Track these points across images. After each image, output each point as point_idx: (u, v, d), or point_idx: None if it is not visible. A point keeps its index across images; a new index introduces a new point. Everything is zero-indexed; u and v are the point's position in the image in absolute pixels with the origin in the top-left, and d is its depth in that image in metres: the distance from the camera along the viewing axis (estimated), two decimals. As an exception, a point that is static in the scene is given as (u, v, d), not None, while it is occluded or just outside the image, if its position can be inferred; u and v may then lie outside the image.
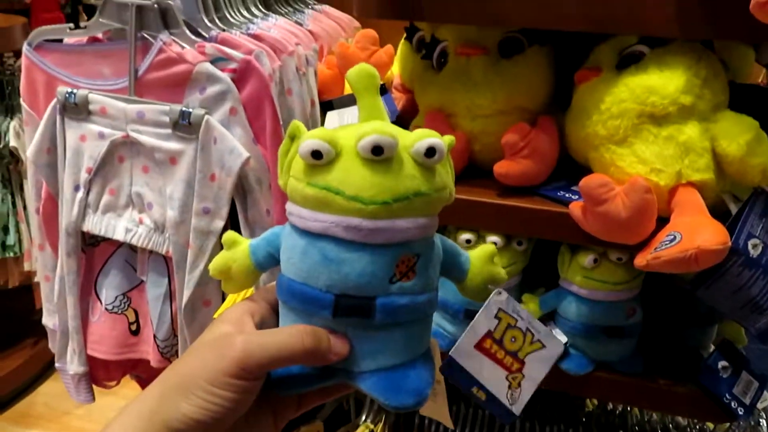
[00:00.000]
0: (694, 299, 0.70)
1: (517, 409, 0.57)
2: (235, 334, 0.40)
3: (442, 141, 0.40)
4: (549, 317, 0.82)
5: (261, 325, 0.43)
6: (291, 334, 0.40)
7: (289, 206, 0.42)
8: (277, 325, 0.44)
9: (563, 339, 0.78)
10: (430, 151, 0.39)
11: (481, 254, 0.47)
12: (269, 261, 0.45)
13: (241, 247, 0.45)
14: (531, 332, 0.55)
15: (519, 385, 0.56)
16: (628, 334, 0.79)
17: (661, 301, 0.82)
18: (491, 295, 0.52)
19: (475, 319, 0.54)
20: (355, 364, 0.42)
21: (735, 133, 0.64)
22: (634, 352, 0.81)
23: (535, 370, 0.56)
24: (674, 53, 0.66)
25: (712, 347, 0.83)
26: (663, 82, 0.65)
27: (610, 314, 0.77)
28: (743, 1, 0.55)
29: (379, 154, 0.38)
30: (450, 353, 0.55)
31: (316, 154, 0.39)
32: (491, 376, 0.55)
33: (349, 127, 0.41)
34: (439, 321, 0.85)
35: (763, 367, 0.78)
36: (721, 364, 0.76)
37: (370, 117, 0.42)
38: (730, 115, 0.66)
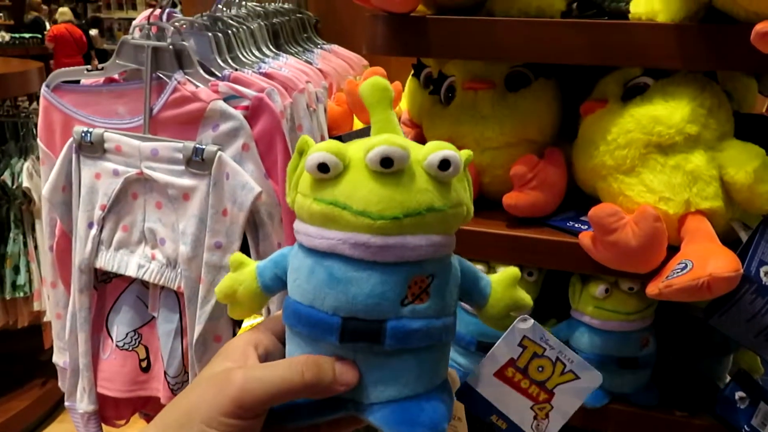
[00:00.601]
0: (708, 329, 0.69)
1: None
2: (234, 369, 0.38)
3: (458, 154, 0.38)
4: (562, 349, 0.81)
5: (266, 358, 0.41)
6: (290, 366, 0.38)
7: (297, 224, 0.41)
8: (283, 356, 0.42)
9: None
10: (444, 164, 0.37)
11: (504, 278, 0.44)
12: (276, 283, 0.42)
13: (247, 269, 0.43)
14: (562, 362, 0.50)
15: (547, 416, 0.52)
16: (643, 365, 0.78)
17: (675, 332, 0.81)
18: (515, 322, 0.48)
19: (495, 346, 0.50)
20: (365, 394, 0.39)
21: (742, 161, 0.64)
22: (649, 383, 0.80)
23: (566, 402, 0.51)
24: (678, 84, 0.68)
25: (728, 378, 0.82)
26: (668, 112, 0.66)
27: (623, 345, 0.76)
28: (745, 33, 0.56)
29: (388, 167, 0.36)
30: (466, 380, 0.53)
31: (323, 167, 0.37)
32: (514, 405, 0.51)
33: (359, 141, 0.40)
34: (450, 353, 0.84)
35: (782, 397, 0.76)
36: (738, 394, 0.75)
37: (383, 131, 0.40)
38: (737, 143, 0.66)
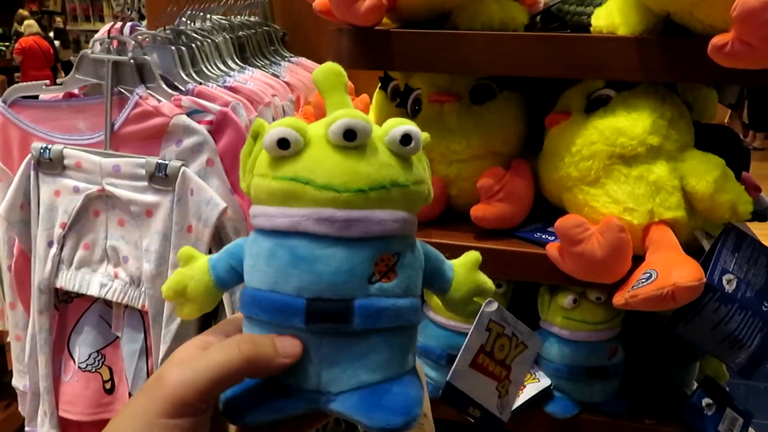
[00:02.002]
0: (675, 337, 0.70)
1: (505, 416, 0.53)
2: (165, 368, 0.34)
3: (419, 129, 0.37)
4: (532, 360, 0.81)
5: None
6: (224, 347, 0.35)
7: (253, 209, 0.38)
8: None
9: (547, 380, 0.78)
10: (406, 139, 0.36)
11: (466, 262, 0.43)
12: (231, 276, 0.40)
13: (199, 263, 0.40)
14: (516, 336, 0.52)
15: (507, 392, 0.53)
16: (612, 375, 0.78)
17: (643, 340, 0.82)
18: (482, 307, 0.48)
19: (468, 336, 0.50)
20: (333, 383, 0.36)
21: (702, 171, 0.65)
22: (618, 392, 0.80)
23: (519, 372, 0.53)
24: (639, 96, 0.69)
25: (695, 384, 0.83)
26: (630, 123, 0.67)
27: (592, 355, 0.77)
28: (702, 45, 0.57)
29: (351, 139, 0.35)
30: (448, 379, 0.51)
31: (283, 143, 0.35)
32: (484, 391, 0.52)
33: (318, 121, 0.38)
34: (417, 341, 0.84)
35: (747, 402, 0.77)
36: (705, 401, 0.76)
37: None
38: (697, 154, 0.67)
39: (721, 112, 0.98)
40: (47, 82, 0.86)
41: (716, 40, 0.56)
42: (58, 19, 7.02)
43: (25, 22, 6.14)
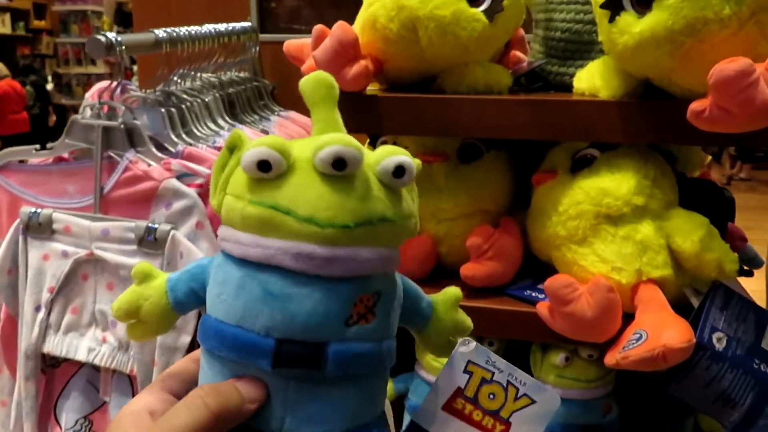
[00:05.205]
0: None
1: None
2: None
3: (412, 160, 0.35)
4: (526, 417, 0.80)
5: None
6: (188, 406, 0.33)
7: (223, 231, 0.36)
8: None
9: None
10: (399, 171, 0.34)
11: (445, 298, 0.41)
12: (191, 300, 0.37)
13: (156, 282, 0.37)
14: (514, 386, 0.46)
15: None
16: (607, 432, 0.78)
17: (637, 396, 0.82)
18: (456, 346, 0.44)
19: (439, 375, 0.46)
20: (298, 428, 0.35)
21: (688, 231, 0.66)
22: (614, 450, 0.79)
23: (525, 430, 0.46)
24: (623, 156, 0.70)
25: (692, 439, 0.82)
26: (615, 184, 0.68)
27: (586, 412, 0.76)
28: (681, 108, 0.58)
29: (341, 169, 0.33)
30: (411, 417, 0.46)
31: (264, 165, 0.32)
32: None
33: (304, 140, 0.36)
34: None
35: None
36: (702, 457, 0.75)
37: (327, 131, 0.36)
38: (682, 212, 0.68)
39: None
40: (37, 146, 0.87)
41: (695, 105, 0.57)
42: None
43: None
